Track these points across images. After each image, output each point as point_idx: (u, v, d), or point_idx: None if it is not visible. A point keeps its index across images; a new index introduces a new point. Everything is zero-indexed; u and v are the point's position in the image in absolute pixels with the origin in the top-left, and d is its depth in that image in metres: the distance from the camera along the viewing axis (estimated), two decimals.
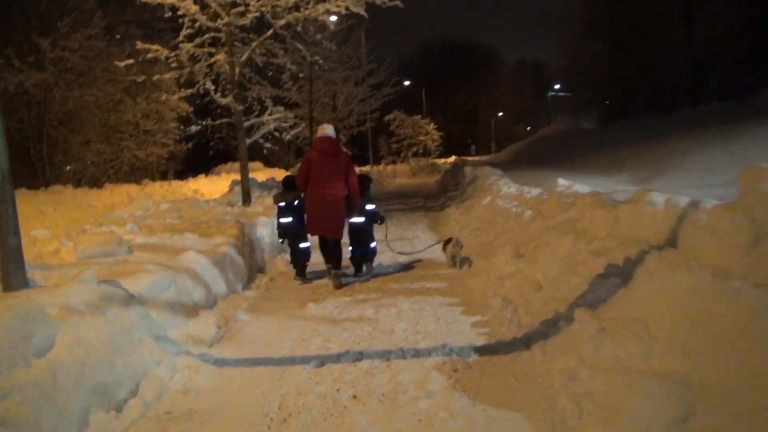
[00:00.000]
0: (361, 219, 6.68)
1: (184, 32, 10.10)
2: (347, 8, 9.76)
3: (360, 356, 3.96)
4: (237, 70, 10.46)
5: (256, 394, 3.43)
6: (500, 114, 69.32)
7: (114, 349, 3.39)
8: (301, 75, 16.02)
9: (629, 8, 32.88)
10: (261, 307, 5.49)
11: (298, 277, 6.65)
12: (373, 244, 6.89)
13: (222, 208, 9.69)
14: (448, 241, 7.04)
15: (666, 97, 32.37)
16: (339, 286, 6.13)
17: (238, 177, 11.18)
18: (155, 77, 11.04)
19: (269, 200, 9.97)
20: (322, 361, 3.91)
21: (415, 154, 42.46)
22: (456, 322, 4.68)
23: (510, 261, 5.80)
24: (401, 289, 5.90)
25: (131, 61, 10.85)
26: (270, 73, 12.75)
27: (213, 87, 10.61)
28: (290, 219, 6.66)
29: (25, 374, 2.76)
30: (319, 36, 12.79)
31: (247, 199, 10.58)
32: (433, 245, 7.71)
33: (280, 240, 7.02)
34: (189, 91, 10.97)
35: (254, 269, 6.72)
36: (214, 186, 22.83)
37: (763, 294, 2.82)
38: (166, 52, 10.30)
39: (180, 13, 9.82)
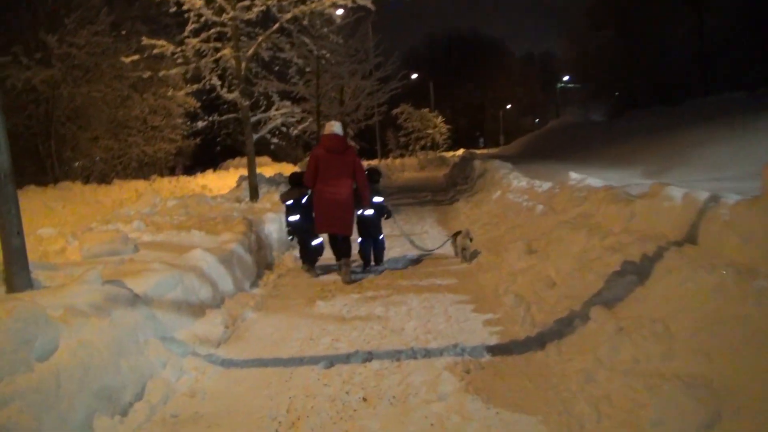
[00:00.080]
0: (370, 211, 6.72)
1: (189, 27, 10.02)
2: (354, 1, 9.63)
3: (370, 356, 3.88)
4: (243, 64, 10.37)
5: (264, 397, 3.36)
6: (508, 106, 68.85)
7: (119, 351, 3.32)
8: (307, 69, 15.90)
9: None
10: (269, 305, 5.41)
11: (306, 267, 6.70)
12: (381, 237, 6.97)
13: (229, 204, 9.63)
14: (457, 234, 7.09)
15: (675, 89, 31.96)
16: (349, 282, 6.11)
17: (245, 172, 11.12)
18: (161, 73, 10.94)
19: (277, 196, 9.91)
20: (331, 361, 3.83)
21: (423, 148, 42.26)
22: (467, 320, 4.59)
23: (522, 257, 5.70)
24: (411, 286, 5.81)
25: (137, 57, 10.78)
26: (276, 68, 12.67)
27: (219, 82, 10.53)
28: (297, 216, 6.64)
29: (27, 379, 2.70)
30: (325, 29, 12.65)
31: (254, 195, 10.51)
32: (447, 241, 7.62)
33: (290, 237, 6.97)
34: (195, 86, 10.90)
35: (262, 266, 6.65)
36: (222, 181, 22.79)
37: None
38: (171, 48, 10.21)
39: (185, 7, 9.73)
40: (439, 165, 34.36)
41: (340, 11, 16.93)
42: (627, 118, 27.90)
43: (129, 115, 24.18)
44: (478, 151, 40.35)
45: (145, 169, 27.28)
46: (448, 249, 7.48)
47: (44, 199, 15.31)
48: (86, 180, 21.51)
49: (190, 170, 30.05)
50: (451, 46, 73.16)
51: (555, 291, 4.60)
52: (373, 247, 6.93)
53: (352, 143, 21.96)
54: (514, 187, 9.68)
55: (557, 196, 7.04)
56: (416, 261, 7.12)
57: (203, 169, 28.25)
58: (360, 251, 6.80)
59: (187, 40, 10.13)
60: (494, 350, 3.85)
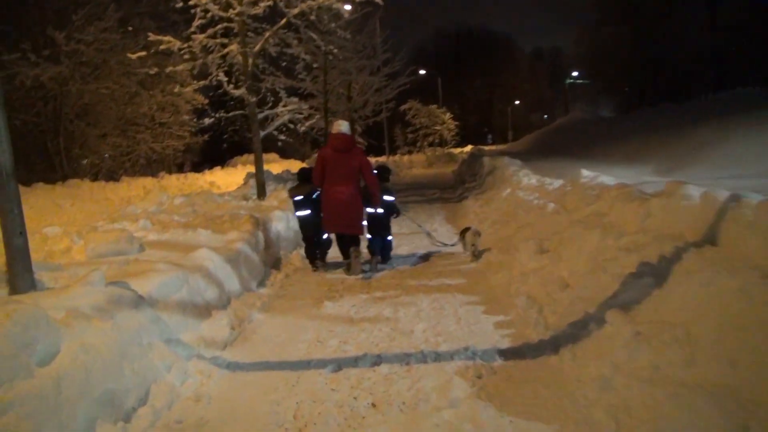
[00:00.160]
0: (380, 210, 6.72)
1: (196, 23, 9.93)
2: None
3: (378, 360, 3.79)
4: (250, 60, 10.29)
5: (270, 402, 3.27)
6: (517, 103, 68.46)
7: (122, 355, 3.25)
8: (315, 65, 15.79)
9: None
10: (276, 306, 5.33)
11: (314, 268, 6.74)
12: (389, 238, 7.00)
13: (236, 201, 9.57)
14: (465, 230, 7.09)
15: (687, 84, 31.63)
16: (356, 273, 6.28)
17: (253, 169, 11.03)
18: (168, 69, 10.88)
19: (284, 193, 9.84)
20: (338, 365, 3.74)
21: (431, 144, 42.07)
22: (478, 322, 4.49)
23: (533, 256, 5.58)
24: (420, 286, 5.71)
25: (144, 53, 10.72)
26: (284, 64, 12.56)
27: (226, 78, 10.44)
28: (308, 211, 6.68)
29: (27, 385, 2.62)
30: (333, 25, 12.52)
31: (261, 193, 10.44)
32: (456, 242, 7.59)
33: (306, 244, 6.96)
34: (202, 82, 10.84)
35: (269, 265, 6.57)
36: (230, 178, 22.79)
37: None
38: (178, 44, 10.14)
39: (192, 3, 9.65)
40: (447, 162, 34.16)
41: (348, 6, 16.84)
42: (637, 114, 27.65)
43: (137, 111, 24.22)
44: (486, 148, 40.09)
45: (154, 166, 27.35)
46: (457, 248, 7.44)
47: (53, 196, 15.35)
48: (95, 177, 21.57)
49: (198, 167, 30.10)
50: (459, 42, 72.76)
51: (568, 292, 4.48)
52: (381, 246, 6.88)
53: (360, 140, 21.94)
54: (524, 184, 9.54)
55: (569, 194, 6.91)
56: (425, 260, 7.03)
57: (211, 166, 28.28)
58: (368, 247, 6.82)
59: (193, 36, 10.05)
60: (506, 354, 3.75)
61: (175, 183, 20.47)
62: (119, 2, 21.37)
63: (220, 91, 11.03)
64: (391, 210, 6.99)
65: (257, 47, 10.38)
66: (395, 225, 7.39)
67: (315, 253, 6.86)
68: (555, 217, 6.50)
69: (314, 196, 6.63)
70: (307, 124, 13.01)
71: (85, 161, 23.05)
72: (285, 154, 34.22)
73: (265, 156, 27.44)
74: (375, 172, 6.74)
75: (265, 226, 7.16)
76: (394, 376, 3.53)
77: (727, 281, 2.98)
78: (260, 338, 4.42)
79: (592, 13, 38.77)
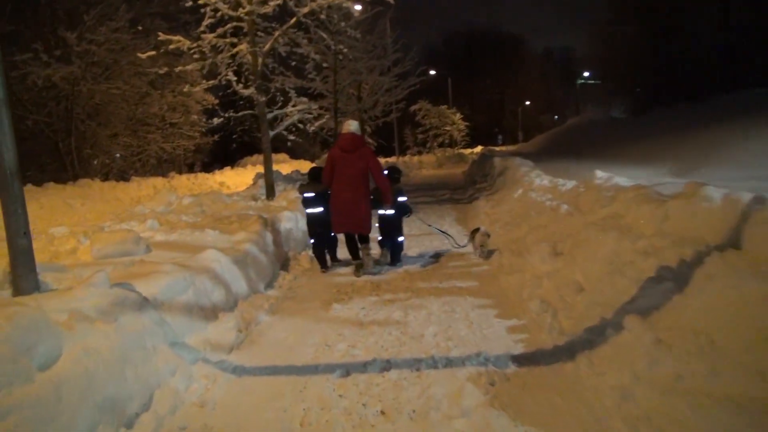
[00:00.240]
0: (390, 211, 6.72)
1: (205, 22, 9.90)
2: None
3: (388, 365, 3.68)
4: (260, 60, 10.23)
5: (277, 409, 3.18)
6: (527, 103, 68.10)
7: (125, 359, 3.17)
8: (325, 65, 15.73)
9: None
10: (284, 308, 5.24)
11: (323, 269, 6.74)
12: (400, 239, 6.95)
13: (245, 202, 9.50)
14: (475, 231, 7.07)
15: (700, 85, 31.17)
16: (366, 270, 6.37)
17: (263, 169, 10.97)
18: (177, 68, 10.85)
19: (294, 193, 9.77)
20: (347, 370, 3.64)
21: (440, 145, 41.96)
22: (490, 326, 4.37)
23: (546, 259, 5.46)
24: (430, 289, 5.60)
25: (153, 53, 10.70)
26: (293, 63, 12.49)
27: (235, 78, 10.39)
28: (321, 209, 6.68)
29: (27, 391, 2.55)
30: (343, 24, 12.45)
31: (270, 193, 10.38)
32: (467, 242, 7.57)
33: (312, 239, 6.92)
34: (211, 82, 10.79)
35: (277, 266, 6.49)
36: (239, 178, 22.82)
37: None
38: (188, 43, 10.11)
39: (201, 2, 9.61)
40: (457, 162, 34.02)
41: (358, 7, 16.78)
42: (650, 114, 27.32)
43: (148, 112, 24.31)
44: (496, 149, 39.90)
45: (164, 166, 27.46)
46: (468, 249, 7.36)
47: (63, 196, 15.40)
48: (105, 177, 21.65)
49: (209, 167, 30.19)
50: (469, 42, 72.55)
51: (583, 297, 4.35)
52: (391, 247, 6.82)
53: (370, 141, 21.85)
54: (536, 185, 9.39)
55: (583, 196, 6.76)
56: (435, 261, 6.91)
57: (221, 166, 28.35)
58: (380, 242, 6.92)
59: (203, 36, 10.02)
60: (520, 360, 3.63)
61: (185, 183, 20.51)
62: (130, 3, 21.46)
63: (229, 90, 10.99)
64: (403, 210, 6.99)
65: (267, 47, 10.33)
66: (405, 226, 7.30)
67: (324, 252, 6.82)
68: (568, 219, 6.37)
69: (327, 193, 6.62)
70: (317, 124, 12.92)
71: (96, 161, 23.15)
72: (295, 154, 34.26)
73: (274, 156, 27.47)
74: (385, 172, 6.74)
75: (273, 227, 7.09)
76: (403, 382, 3.42)
77: (753, 287, 2.85)
78: (267, 341, 4.33)
79: (604, 13, 38.37)
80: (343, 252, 6.97)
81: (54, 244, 5.35)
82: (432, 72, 40.10)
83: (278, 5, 9.77)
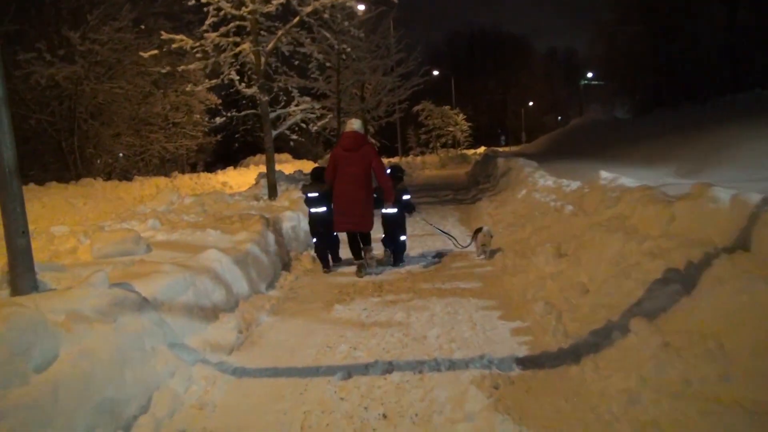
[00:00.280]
0: (393, 210, 6.71)
1: (208, 21, 9.87)
2: None
3: (390, 367, 3.63)
4: (262, 59, 10.20)
5: (277, 411, 3.13)
6: (530, 104, 68.00)
7: (123, 360, 3.12)
8: (328, 64, 15.69)
9: None
10: (285, 309, 5.19)
11: (325, 270, 6.69)
12: (402, 238, 6.91)
13: (247, 202, 9.46)
14: (478, 230, 7.04)
15: (704, 86, 31.04)
16: (367, 271, 6.33)
17: (265, 169, 10.93)
18: (180, 68, 10.82)
19: (296, 193, 9.73)
20: (348, 372, 3.59)
21: (443, 145, 41.93)
22: (494, 328, 4.31)
23: (551, 260, 5.40)
24: (433, 290, 5.55)
25: (156, 52, 10.66)
26: (296, 62, 12.45)
27: (237, 77, 10.35)
28: (324, 209, 6.66)
29: (22, 393, 2.51)
30: (346, 23, 12.40)
31: (273, 193, 10.34)
32: (470, 242, 7.52)
33: (314, 239, 6.87)
34: (214, 81, 10.76)
35: (279, 267, 6.44)
36: (242, 178, 22.80)
37: None
38: (191, 42, 10.08)
39: (204, 1, 9.57)
40: (460, 163, 33.98)
41: (361, 7, 16.74)
42: (653, 115, 27.22)
43: (151, 111, 24.33)
44: (499, 149, 39.82)
45: (167, 165, 27.47)
46: (471, 249, 7.30)
47: (66, 195, 15.40)
48: (108, 177, 21.66)
49: (211, 167, 30.17)
50: (473, 43, 72.54)
51: (588, 298, 4.29)
52: (393, 247, 6.79)
53: (373, 141, 21.79)
54: (540, 186, 9.33)
55: (587, 196, 6.70)
56: (438, 262, 6.86)
57: (224, 166, 28.34)
58: (383, 241, 6.91)
59: (206, 35, 9.98)
60: (524, 363, 3.57)
61: (188, 183, 20.50)
62: (134, 2, 21.48)
63: (232, 89, 10.97)
64: (407, 209, 6.98)
65: (270, 46, 10.29)
66: (408, 227, 7.25)
67: (326, 252, 6.80)
68: (573, 220, 6.31)
69: (330, 193, 6.59)
70: (320, 123, 12.88)
71: (99, 161, 23.17)
72: (297, 154, 34.23)
73: (277, 156, 27.41)
74: (388, 171, 6.76)
75: (275, 227, 7.05)
76: (406, 385, 3.37)
77: (764, 290, 2.80)
78: (268, 342, 4.28)
79: (608, 14, 38.26)
80: (344, 252, 6.97)
81: (54, 244, 5.32)
82: (435, 72, 40.09)
83: (281, 4, 9.72)
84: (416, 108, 36.80)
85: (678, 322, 3.14)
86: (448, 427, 2.85)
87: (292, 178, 14.15)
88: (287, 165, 25.42)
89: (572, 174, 10.05)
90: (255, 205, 9.00)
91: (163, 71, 12.05)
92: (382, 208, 6.67)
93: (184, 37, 10.15)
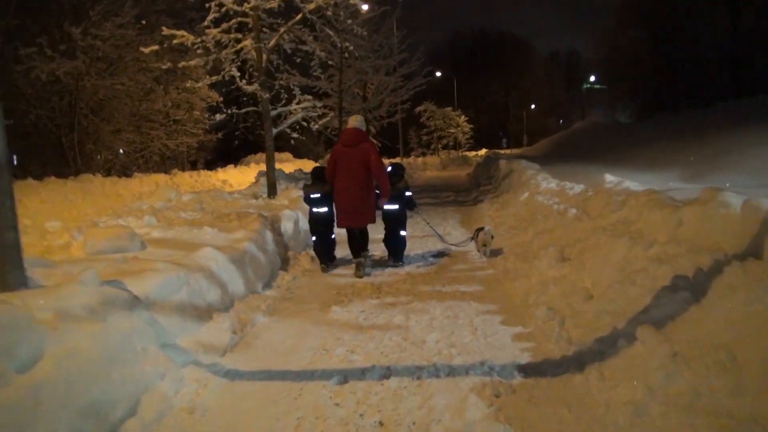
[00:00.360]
0: (395, 206, 6.73)
1: (210, 17, 9.76)
2: None
3: (388, 372, 3.52)
4: (264, 56, 10.09)
5: (269, 417, 3.02)
6: (533, 107, 67.88)
7: (112, 361, 3.01)
8: (330, 63, 15.58)
9: None
10: (281, 309, 5.08)
11: (323, 267, 6.67)
12: (403, 233, 6.89)
13: (246, 200, 9.35)
14: (479, 230, 7.07)
15: (707, 90, 30.90)
16: (361, 276, 6.19)
17: (265, 167, 10.82)
18: (180, 64, 10.70)
19: (295, 192, 9.63)
20: (344, 376, 3.47)
21: (445, 147, 41.83)
22: (495, 333, 4.20)
23: (554, 264, 5.30)
24: (433, 292, 5.43)
25: (157, 47, 10.54)
26: (298, 60, 12.34)
27: (238, 74, 10.24)
28: (326, 209, 6.67)
29: (2, 395, 2.40)
30: (350, 21, 12.29)
31: (272, 191, 10.23)
32: (469, 239, 7.60)
33: (314, 237, 6.80)
34: (214, 78, 10.64)
35: (276, 266, 6.32)
36: (242, 176, 22.68)
37: None
38: (192, 38, 9.96)
39: None
40: (461, 164, 33.88)
41: (365, 6, 16.63)
42: (656, 120, 27.07)
43: (152, 108, 24.20)
44: (501, 152, 39.73)
45: (167, 163, 27.31)
46: (473, 253, 7.21)
47: (64, 191, 15.28)
48: (108, 173, 21.54)
49: (212, 165, 30.01)
50: (475, 45, 72.41)
51: (592, 304, 4.19)
52: (394, 241, 6.82)
53: (375, 141, 21.67)
54: (543, 188, 9.22)
55: (592, 200, 6.60)
56: (438, 264, 6.75)
57: (224, 164, 28.20)
58: (384, 241, 6.92)
59: (207, 31, 9.87)
60: (526, 370, 3.46)
61: (188, 180, 20.39)
62: None
63: (233, 87, 10.85)
64: (409, 205, 7.00)
65: (272, 43, 10.18)
66: (408, 228, 7.16)
67: (324, 250, 6.76)
68: (577, 224, 6.20)
69: (332, 194, 6.61)
70: (321, 122, 12.77)
71: (99, 157, 23.03)
72: (298, 153, 34.12)
73: (278, 155, 27.26)
74: (389, 169, 6.82)
75: (273, 226, 6.94)
76: (403, 391, 3.26)
77: None
78: (263, 344, 4.17)
79: (611, 18, 38.14)
80: (340, 252, 7.00)
81: (47, 239, 5.21)
82: (438, 73, 39.97)
83: (283, 1, 9.62)
84: (418, 109, 36.72)
85: (687, 331, 3.03)
86: None
87: (292, 177, 14.03)
88: (288, 164, 25.30)
89: (575, 177, 9.94)
90: (254, 204, 8.89)
91: (164, 67, 11.91)
92: (385, 205, 6.67)
93: (185, 33, 10.04)
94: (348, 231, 6.53)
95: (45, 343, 2.78)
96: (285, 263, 6.66)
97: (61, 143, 20.98)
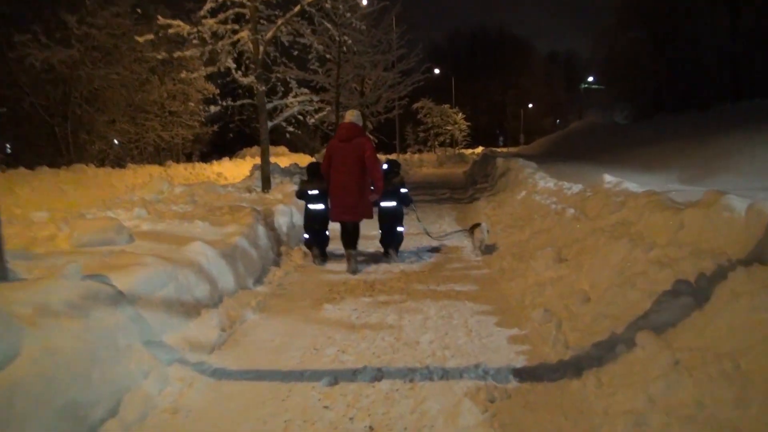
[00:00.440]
0: (392, 203, 6.70)
1: (206, 7, 9.61)
2: None
3: (379, 374, 3.41)
4: (261, 48, 9.95)
5: (256, 419, 2.91)
6: (530, 106, 67.79)
7: (93, 359, 2.90)
8: (328, 57, 15.43)
9: None
10: (272, 306, 4.97)
11: (315, 253, 6.67)
12: (400, 229, 6.88)
13: (239, 193, 9.22)
14: (475, 226, 7.04)
15: (705, 92, 30.87)
16: (354, 272, 6.13)
17: (260, 161, 10.68)
18: (176, 54, 10.54)
19: (290, 186, 9.52)
20: (335, 377, 3.37)
21: (441, 144, 41.73)
22: (490, 335, 4.10)
23: (550, 265, 5.20)
24: (427, 291, 5.33)
25: (152, 36, 10.37)
26: (296, 53, 12.19)
27: (234, 66, 10.09)
28: (322, 206, 6.61)
29: None
30: (348, 15, 12.13)
31: (266, 185, 10.10)
32: (458, 231, 7.81)
33: (306, 236, 6.77)
34: (210, 69, 10.49)
35: (268, 261, 6.21)
36: (238, 169, 22.50)
37: None
38: (187, 28, 9.81)
39: None
40: (457, 162, 33.81)
41: (364, 1, 16.47)
42: (653, 121, 26.99)
43: (147, 99, 24.01)
44: (498, 150, 39.66)
45: (162, 154, 27.12)
46: (468, 252, 7.11)
47: (57, 181, 15.09)
48: (101, 163, 21.34)
49: (207, 157, 29.82)
50: (474, 43, 72.29)
51: (590, 307, 4.09)
52: (391, 238, 6.80)
53: (372, 137, 21.52)
54: (540, 187, 9.12)
55: (590, 200, 6.50)
56: (433, 262, 6.64)
57: (220, 157, 28.01)
58: (381, 241, 6.86)
59: (204, 21, 9.71)
60: (522, 375, 3.36)
61: (182, 172, 20.20)
62: None
63: (229, 78, 10.69)
64: (405, 202, 6.94)
65: (269, 35, 10.04)
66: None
67: (318, 247, 6.72)
68: (574, 224, 6.10)
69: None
70: (317, 116, 12.63)
71: (94, 146, 22.80)
72: (295, 147, 33.95)
73: (274, 149, 27.06)
74: (385, 166, 6.80)
75: (266, 220, 6.82)
76: (395, 394, 3.15)
77: None
78: (252, 342, 4.06)
79: (610, 19, 38.06)
80: (332, 247, 6.98)
81: (32, 230, 5.06)
82: (436, 71, 39.82)
83: None
84: (416, 105, 36.61)
85: (689, 338, 2.94)
86: None
87: (287, 171, 13.89)
88: (283, 158, 25.13)
89: (572, 177, 9.85)
90: (247, 197, 8.76)
91: (160, 57, 11.74)
92: (380, 202, 6.63)
93: (180, 23, 9.88)
94: (341, 225, 6.50)
95: (22, 340, 2.66)
96: (277, 258, 6.55)
97: (55, 133, 20.77)
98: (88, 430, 2.65)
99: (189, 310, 4.07)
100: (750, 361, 2.51)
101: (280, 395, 3.18)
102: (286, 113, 11.18)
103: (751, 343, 2.60)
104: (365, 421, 2.86)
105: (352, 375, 3.41)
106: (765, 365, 2.44)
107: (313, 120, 12.47)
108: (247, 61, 10.53)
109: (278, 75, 11.76)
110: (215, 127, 26.98)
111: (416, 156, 35.66)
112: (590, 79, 55.19)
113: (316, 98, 12.60)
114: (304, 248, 6.92)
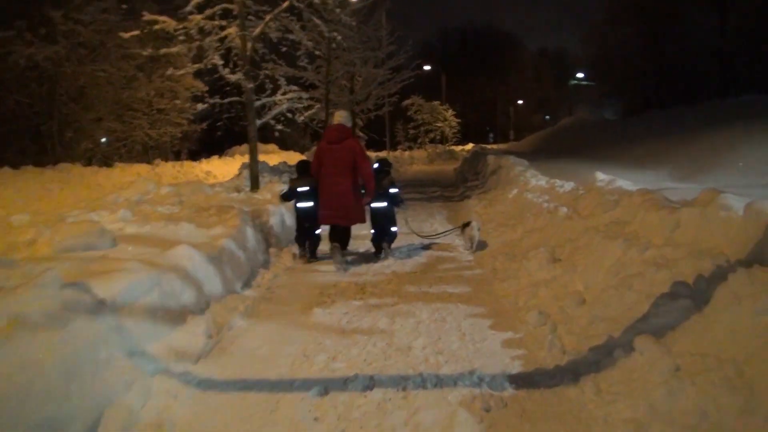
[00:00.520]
0: (383, 204, 6.65)
1: (193, 2, 9.42)
2: None
3: (371, 383, 3.30)
4: (249, 45, 9.78)
5: None
6: (520, 102, 67.82)
7: (71, 373, 2.77)
8: (317, 53, 15.27)
9: None
10: (261, 311, 4.84)
11: (301, 252, 6.63)
12: (393, 229, 6.87)
13: (227, 193, 9.06)
14: (466, 224, 7.04)
15: (694, 89, 31.07)
16: (340, 264, 6.13)
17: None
18: (162, 51, 10.35)
19: (279, 186, 9.38)
20: (325, 387, 3.26)
21: (432, 141, 41.59)
22: (484, 339, 4.00)
23: (544, 265, 5.13)
24: (419, 294, 5.23)
25: (137, 32, 10.18)
26: (284, 50, 12.02)
27: (221, 62, 9.91)
28: (311, 204, 6.52)
29: None
30: (338, 11, 11.98)
31: (255, 185, 9.96)
32: (451, 230, 7.84)
33: (297, 233, 6.72)
34: (196, 66, 10.30)
35: (257, 264, 6.08)
36: (227, 168, 22.26)
37: None
38: (173, 24, 9.62)
39: None
40: (447, 159, 33.72)
41: None
42: (643, 117, 27.10)
43: (134, 96, 23.68)
44: (488, 146, 39.63)
45: (150, 153, 26.79)
46: (460, 252, 7.02)
47: (42, 180, 14.85)
48: (88, 162, 21.04)
49: (196, 155, 29.53)
50: (464, 39, 72.12)
51: (586, 310, 4.01)
52: (385, 238, 6.77)
53: (361, 134, 21.40)
54: (532, 185, 9.05)
55: (583, 199, 6.43)
56: (425, 264, 6.54)
57: (209, 155, 27.74)
58: (372, 240, 6.82)
59: (190, 17, 9.53)
60: (518, 381, 3.26)
61: (170, 171, 19.95)
62: None
63: (216, 75, 10.51)
64: (396, 202, 6.88)
65: (257, 31, 9.88)
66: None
67: (309, 246, 6.69)
68: (568, 223, 6.03)
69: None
70: (307, 114, 12.48)
71: (82, 144, 22.47)
72: (284, 145, 33.71)
73: (263, 146, 26.82)
74: (376, 165, 6.75)
75: (254, 221, 6.70)
76: (388, 404, 3.05)
77: None
78: (239, 350, 3.94)
79: (600, 15, 38.17)
80: (322, 247, 6.88)
81: (12, 234, 4.91)
82: (426, 67, 39.70)
83: None
84: (406, 102, 36.42)
85: (690, 343, 2.86)
86: None
87: (276, 170, 13.74)
88: (273, 156, 24.91)
89: (563, 174, 9.79)
90: (235, 197, 8.62)
91: (146, 54, 11.55)
92: (371, 203, 6.57)
93: (167, 19, 9.69)
94: (331, 227, 6.44)
95: None
96: (266, 260, 6.42)
97: (40, 131, 20.44)
98: None
99: (174, 317, 3.93)
100: (754, 368, 2.43)
101: (269, 407, 3.06)
102: (275, 111, 11.02)
103: (754, 348, 2.52)
104: None
105: (343, 384, 3.30)
106: None
107: (302, 117, 12.33)
108: (235, 58, 10.35)
109: (267, 72, 11.59)
110: (204, 125, 26.68)
111: (406, 153, 35.52)
112: (580, 75, 55.31)
113: (305, 95, 12.45)
114: (294, 249, 6.82)
